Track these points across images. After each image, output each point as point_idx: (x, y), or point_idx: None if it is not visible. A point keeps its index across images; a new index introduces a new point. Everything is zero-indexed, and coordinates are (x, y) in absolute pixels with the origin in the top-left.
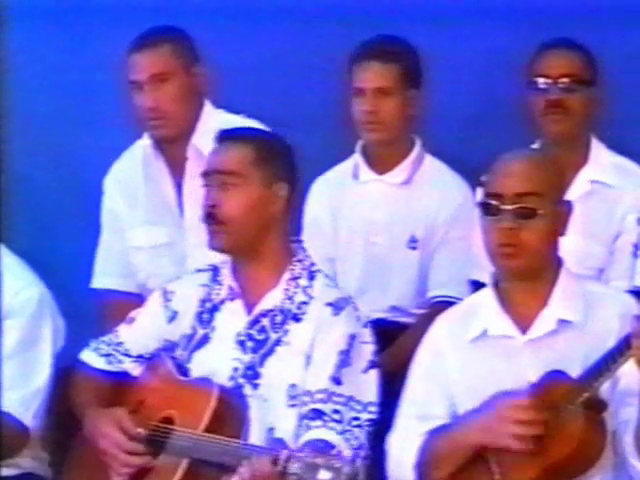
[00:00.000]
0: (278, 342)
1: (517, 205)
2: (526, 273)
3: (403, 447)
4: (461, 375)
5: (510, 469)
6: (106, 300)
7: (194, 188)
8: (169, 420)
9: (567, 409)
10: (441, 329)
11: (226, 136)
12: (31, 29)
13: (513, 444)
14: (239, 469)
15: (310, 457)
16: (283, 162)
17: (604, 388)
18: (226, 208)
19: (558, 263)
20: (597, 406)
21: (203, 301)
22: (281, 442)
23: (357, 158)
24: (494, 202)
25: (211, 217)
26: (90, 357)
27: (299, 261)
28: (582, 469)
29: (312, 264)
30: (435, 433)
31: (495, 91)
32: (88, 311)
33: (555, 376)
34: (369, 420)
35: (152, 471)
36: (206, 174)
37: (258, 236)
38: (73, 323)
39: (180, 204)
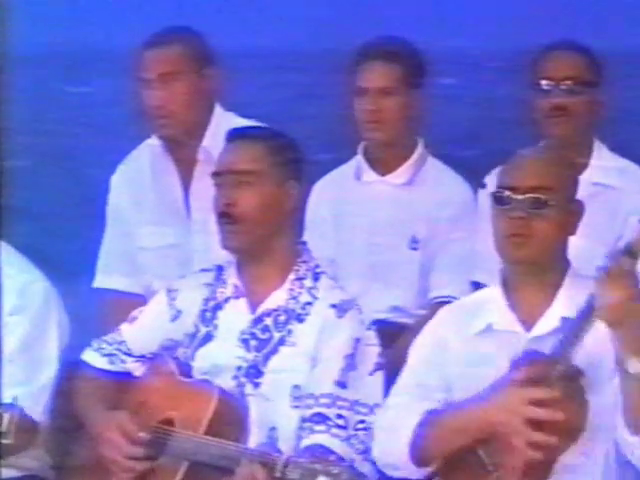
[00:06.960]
0: (282, 342)
1: (529, 195)
2: (533, 265)
3: (397, 424)
4: (462, 367)
5: (500, 456)
6: (108, 300)
7: (202, 190)
8: (169, 422)
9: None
10: (445, 319)
11: (237, 135)
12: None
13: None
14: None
15: (308, 463)
16: (294, 160)
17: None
18: (242, 206)
19: (566, 264)
20: (573, 375)
21: (207, 300)
22: (278, 449)
23: (359, 159)
24: (507, 193)
25: (226, 216)
26: (92, 357)
27: (304, 262)
28: (569, 439)
29: (317, 265)
30: (437, 413)
31: (497, 93)
32: (92, 311)
33: (531, 356)
34: None
35: (152, 473)
36: (219, 173)
37: (270, 235)
38: (75, 324)
39: (187, 205)
